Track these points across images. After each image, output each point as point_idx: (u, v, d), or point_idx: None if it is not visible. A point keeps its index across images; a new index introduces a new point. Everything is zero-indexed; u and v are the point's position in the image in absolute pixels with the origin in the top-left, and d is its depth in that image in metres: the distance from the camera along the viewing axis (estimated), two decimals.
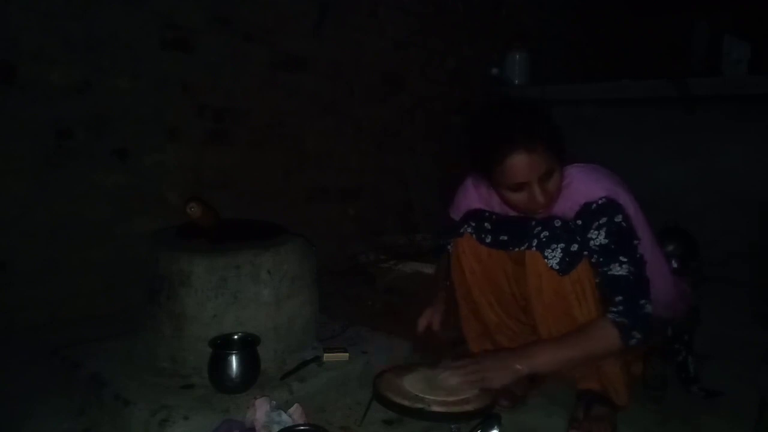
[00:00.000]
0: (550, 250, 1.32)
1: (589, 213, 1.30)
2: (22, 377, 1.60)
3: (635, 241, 1.31)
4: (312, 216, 2.80)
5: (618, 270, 1.28)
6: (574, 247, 1.31)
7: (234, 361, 1.38)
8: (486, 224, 1.50)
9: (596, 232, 1.29)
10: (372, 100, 3.10)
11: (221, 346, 1.43)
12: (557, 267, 1.31)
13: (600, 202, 1.30)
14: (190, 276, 1.49)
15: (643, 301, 1.28)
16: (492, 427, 1.23)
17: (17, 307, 1.95)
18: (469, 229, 1.52)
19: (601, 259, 1.29)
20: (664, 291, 1.43)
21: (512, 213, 1.44)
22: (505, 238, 1.47)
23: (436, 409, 1.35)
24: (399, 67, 3.23)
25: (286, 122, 2.69)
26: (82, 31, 2.01)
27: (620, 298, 1.28)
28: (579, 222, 1.32)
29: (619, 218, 1.29)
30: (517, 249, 1.44)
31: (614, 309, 1.28)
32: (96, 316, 2.05)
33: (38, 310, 2.00)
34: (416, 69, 3.34)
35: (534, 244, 1.35)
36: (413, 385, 1.42)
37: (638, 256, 1.31)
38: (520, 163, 1.27)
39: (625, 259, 1.28)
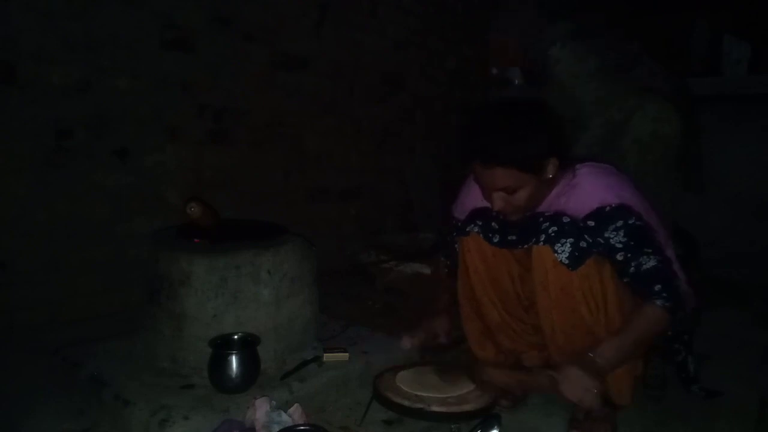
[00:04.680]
0: (559, 245, 1.32)
1: (603, 216, 1.32)
2: (22, 377, 1.60)
3: (654, 233, 1.35)
4: (312, 216, 2.80)
5: (648, 262, 1.31)
6: (583, 243, 1.31)
7: (234, 361, 1.38)
8: (493, 224, 1.49)
9: (614, 233, 1.31)
10: (372, 100, 3.10)
11: (221, 346, 1.43)
12: (567, 261, 1.31)
13: (613, 205, 1.32)
14: (190, 276, 1.49)
15: (678, 283, 1.34)
16: (492, 427, 1.23)
17: (17, 307, 1.95)
18: (476, 229, 1.51)
19: (628, 255, 1.31)
20: None
21: None
22: (514, 238, 1.46)
23: (436, 409, 1.35)
24: (399, 67, 3.23)
25: (286, 122, 2.68)
26: (82, 31, 2.01)
27: (659, 286, 1.31)
28: (591, 223, 1.32)
29: (632, 220, 1.31)
30: (525, 246, 1.43)
31: (657, 297, 1.31)
32: (96, 316, 2.05)
33: (38, 310, 2.00)
34: (416, 69, 3.34)
35: (542, 239, 1.35)
36: (411, 385, 1.42)
37: (658, 243, 1.34)
38: (478, 170, 1.37)
39: (650, 250, 1.31)
